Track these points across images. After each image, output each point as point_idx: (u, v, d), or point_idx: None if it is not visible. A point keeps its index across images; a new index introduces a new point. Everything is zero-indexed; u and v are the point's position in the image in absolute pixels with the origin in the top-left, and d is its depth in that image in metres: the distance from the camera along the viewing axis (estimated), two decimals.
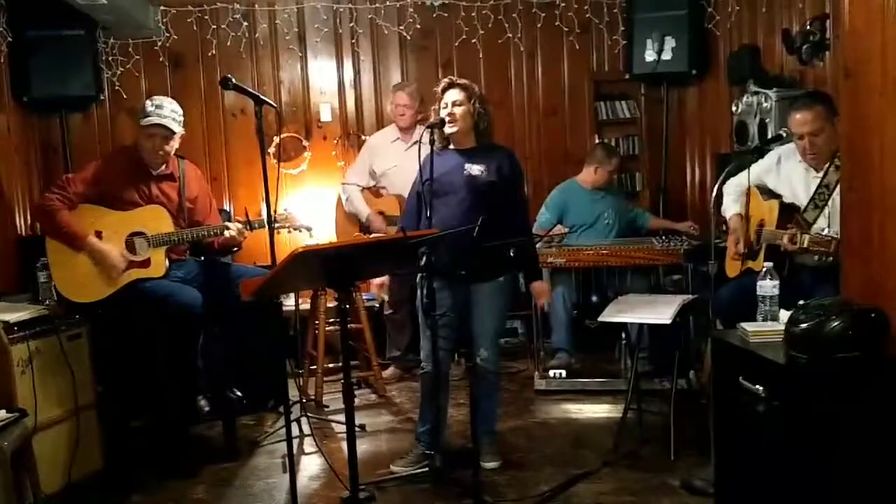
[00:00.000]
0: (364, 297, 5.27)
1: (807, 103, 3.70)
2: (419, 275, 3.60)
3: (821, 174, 3.67)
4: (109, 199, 3.95)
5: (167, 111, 3.97)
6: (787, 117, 3.83)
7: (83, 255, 3.83)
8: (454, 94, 3.68)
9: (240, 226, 4.12)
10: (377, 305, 5.59)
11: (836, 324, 2.49)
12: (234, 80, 3.29)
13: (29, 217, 5.56)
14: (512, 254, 3.53)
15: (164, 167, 4.10)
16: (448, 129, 3.67)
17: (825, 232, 3.45)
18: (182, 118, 4.06)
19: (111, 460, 3.99)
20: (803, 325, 2.55)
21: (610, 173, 5.53)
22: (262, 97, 3.34)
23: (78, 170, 4.37)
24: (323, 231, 5.60)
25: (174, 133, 4.00)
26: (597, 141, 6.33)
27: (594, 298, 5.10)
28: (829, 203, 3.59)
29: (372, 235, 5.10)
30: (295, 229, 4.31)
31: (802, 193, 3.74)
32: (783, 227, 3.69)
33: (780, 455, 2.61)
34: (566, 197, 5.58)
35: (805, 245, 3.43)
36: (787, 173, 3.85)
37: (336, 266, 2.67)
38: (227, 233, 4.08)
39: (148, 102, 4.00)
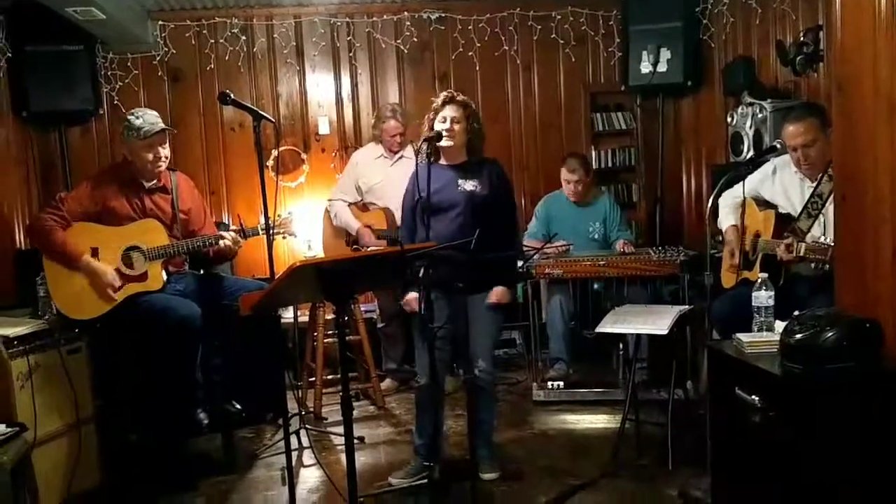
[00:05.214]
0: (362, 309, 5.28)
1: (799, 116, 3.73)
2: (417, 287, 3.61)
3: (815, 184, 3.70)
4: (104, 216, 3.96)
5: (156, 118, 4.02)
6: (781, 129, 3.87)
7: (79, 273, 3.85)
8: (454, 110, 3.71)
9: (234, 234, 4.12)
10: (375, 317, 5.61)
11: (830, 334, 2.51)
12: (232, 95, 3.32)
13: None
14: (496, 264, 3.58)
15: (156, 180, 4.11)
16: (444, 143, 3.69)
17: (821, 240, 3.47)
18: None
19: (110, 474, 4.00)
20: (798, 336, 2.58)
21: (568, 182, 5.48)
22: (260, 112, 3.37)
23: (74, 186, 4.38)
24: (322, 242, 5.63)
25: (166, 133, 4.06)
26: (593, 152, 6.40)
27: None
28: (823, 212, 3.61)
29: (370, 248, 5.10)
30: (290, 234, 4.32)
31: (798, 203, 3.77)
32: (779, 237, 3.71)
33: (777, 465, 2.63)
34: (549, 208, 5.63)
35: (802, 253, 3.44)
36: (783, 183, 3.88)
37: (334, 280, 2.68)
38: (221, 242, 4.09)
39: (134, 120, 3.98)
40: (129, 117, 4.03)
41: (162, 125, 4.00)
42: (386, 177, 5.36)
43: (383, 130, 5.44)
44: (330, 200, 5.66)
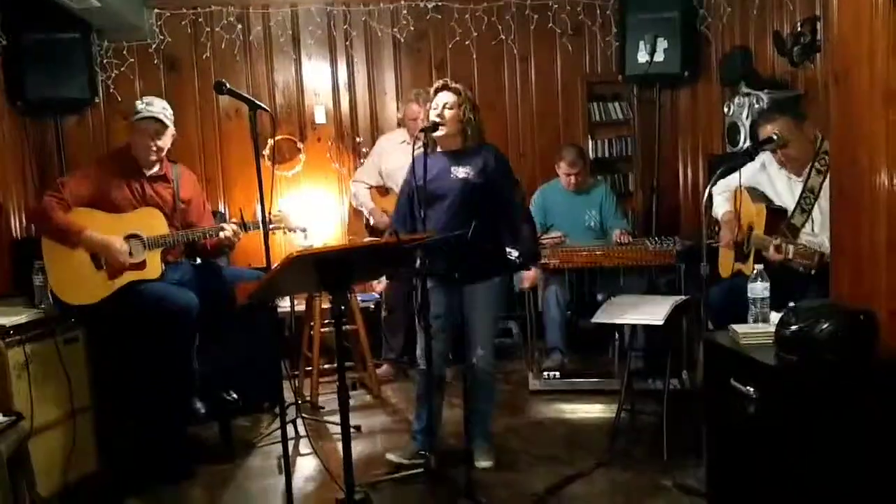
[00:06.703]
0: (359, 298, 5.29)
1: (771, 116, 3.79)
2: (414, 277, 3.61)
3: (802, 179, 3.71)
4: (104, 201, 3.95)
5: (157, 108, 4.01)
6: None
7: (79, 257, 3.83)
8: (445, 97, 3.71)
9: (235, 227, 4.13)
10: (372, 306, 5.62)
11: (825, 326, 2.53)
12: (228, 84, 3.30)
13: (23, 219, 5.57)
14: (513, 253, 3.57)
15: (157, 168, 4.10)
16: (437, 133, 3.69)
17: (817, 237, 3.48)
18: (172, 117, 4.08)
19: (107, 462, 4.02)
20: (793, 328, 2.59)
21: (567, 175, 5.47)
22: (256, 102, 3.36)
23: (72, 172, 4.38)
24: (318, 232, 5.62)
25: (166, 127, 4.03)
26: (590, 142, 6.40)
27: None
28: (815, 207, 3.63)
29: (366, 239, 5.11)
30: (290, 230, 4.33)
31: (788, 198, 3.80)
32: (771, 232, 3.72)
33: (772, 455, 2.64)
34: (545, 197, 5.64)
35: (790, 256, 3.46)
36: (772, 179, 3.91)
37: (330, 270, 2.68)
38: (221, 234, 4.09)
39: (138, 102, 4.05)
40: (136, 101, 4.07)
41: (151, 113, 3.97)
42: (405, 163, 5.34)
43: (405, 114, 5.47)
44: (353, 182, 5.75)
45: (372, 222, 5.51)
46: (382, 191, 5.62)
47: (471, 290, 3.73)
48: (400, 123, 5.73)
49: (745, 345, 2.84)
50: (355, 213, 5.75)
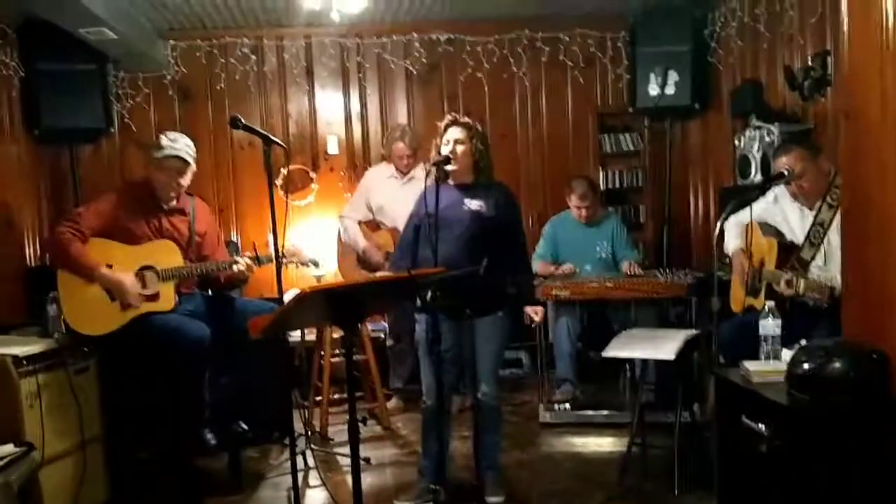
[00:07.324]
0: (369, 328, 5.29)
1: (786, 148, 3.80)
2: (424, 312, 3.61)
3: (814, 212, 3.71)
4: (120, 232, 3.98)
5: (181, 145, 4.05)
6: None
7: (94, 288, 3.85)
8: (456, 133, 3.71)
9: (248, 261, 4.15)
10: (382, 336, 5.62)
11: (837, 365, 2.52)
12: (242, 120, 3.34)
13: (38, 248, 5.62)
14: (511, 290, 3.59)
15: (174, 202, 4.14)
16: (449, 167, 3.70)
17: (828, 271, 3.48)
18: (195, 153, 4.11)
19: (117, 492, 4.01)
20: (805, 367, 2.58)
21: (578, 207, 5.48)
22: (271, 137, 3.39)
23: (88, 202, 4.42)
24: (330, 263, 5.64)
25: (188, 165, 4.07)
26: (601, 173, 6.43)
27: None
28: (825, 241, 3.62)
29: (378, 274, 5.10)
30: (303, 264, 4.35)
31: (799, 231, 3.80)
32: (782, 267, 3.72)
33: (784, 493, 2.62)
34: (556, 229, 5.64)
35: (801, 291, 3.46)
36: (784, 212, 3.91)
37: (342, 305, 2.69)
38: (235, 267, 4.12)
39: (163, 137, 4.08)
40: (160, 136, 4.10)
41: (175, 152, 4.01)
42: (395, 197, 5.38)
43: (392, 151, 5.48)
44: (341, 217, 5.71)
45: (370, 262, 5.46)
46: (373, 225, 5.60)
47: (476, 323, 3.73)
48: (386, 158, 5.70)
49: (756, 382, 2.83)
50: (346, 247, 5.69)
